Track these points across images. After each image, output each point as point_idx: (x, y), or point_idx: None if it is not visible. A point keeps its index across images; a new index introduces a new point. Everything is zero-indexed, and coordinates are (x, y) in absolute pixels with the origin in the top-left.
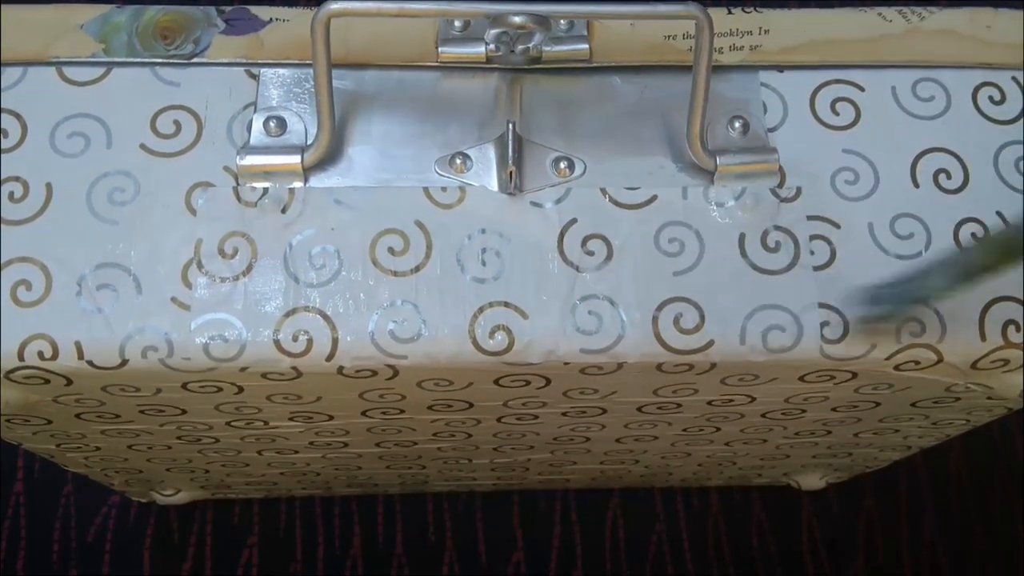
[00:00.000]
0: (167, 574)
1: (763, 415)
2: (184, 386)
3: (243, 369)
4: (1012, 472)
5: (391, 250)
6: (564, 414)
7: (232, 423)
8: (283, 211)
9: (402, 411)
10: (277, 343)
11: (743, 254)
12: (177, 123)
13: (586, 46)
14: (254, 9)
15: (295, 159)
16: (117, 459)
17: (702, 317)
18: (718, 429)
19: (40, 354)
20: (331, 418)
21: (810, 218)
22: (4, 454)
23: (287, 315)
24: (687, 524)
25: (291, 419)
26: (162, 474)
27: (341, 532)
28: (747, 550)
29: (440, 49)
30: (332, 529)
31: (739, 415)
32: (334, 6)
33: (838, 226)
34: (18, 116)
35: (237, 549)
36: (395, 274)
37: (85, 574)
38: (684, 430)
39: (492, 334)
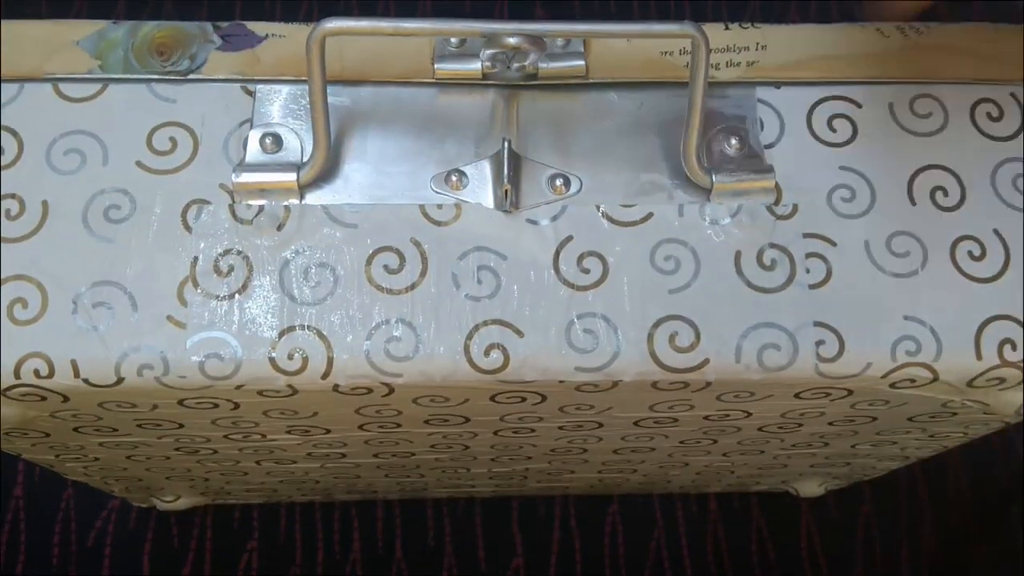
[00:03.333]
0: None
1: (760, 429)
2: (180, 403)
3: (239, 387)
4: (1011, 478)
5: (386, 268)
6: (561, 428)
7: (229, 436)
8: (279, 229)
9: (399, 425)
10: (272, 361)
11: (739, 272)
12: (173, 140)
13: (582, 62)
14: (250, 25)
15: (291, 176)
16: (116, 469)
17: (697, 335)
18: (715, 441)
19: (36, 372)
20: (328, 431)
21: (806, 236)
22: (4, 458)
23: (282, 333)
24: (686, 530)
25: (288, 432)
26: (161, 482)
27: (341, 537)
28: (746, 557)
29: (436, 66)
30: (332, 534)
31: (736, 429)
32: (330, 24)
33: (834, 244)
34: (14, 133)
35: (236, 554)
36: (390, 292)
37: None
38: (681, 442)
39: (487, 352)
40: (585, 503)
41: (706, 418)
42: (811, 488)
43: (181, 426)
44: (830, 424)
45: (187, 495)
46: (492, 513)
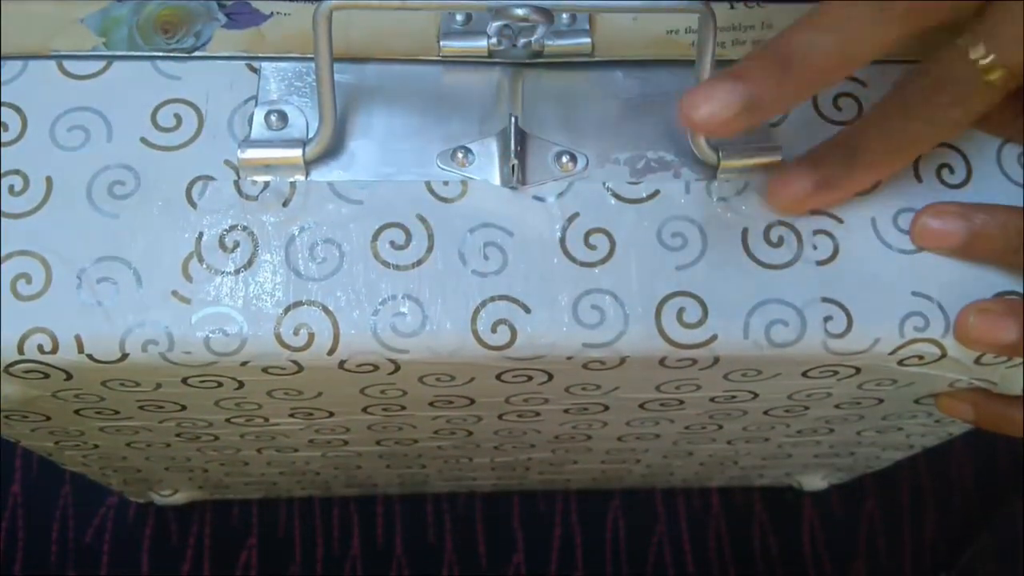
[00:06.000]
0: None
1: (766, 412)
2: (184, 381)
3: (244, 363)
4: (1014, 472)
5: (393, 244)
6: (566, 411)
7: (232, 420)
8: (284, 205)
9: (403, 407)
10: (278, 337)
11: (746, 249)
12: (178, 116)
13: (588, 40)
14: (255, 3)
15: (296, 152)
16: (116, 458)
17: (705, 312)
18: (720, 427)
19: (40, 347)
20: (331, 415)
21: (812, 213)
22: (2, 454)
23: (288, 309)
24: (688, 525)
25: (291, 415)
26: (160, 473)
27: (340, 534)
28: (748, 551)
29: (442, 43)
30: (331, 531)
31: (742, 412)
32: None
33: (841, 221)
34: (18, 110)
35: (236, 551)
36: (397, 268)
37: (83, 575)
38: (686, 428)
39: (494, 328)
40: (586, 498)
41: (712, 400)
42: (814, 482)
43: (184, 408)
44: (836, 407)
45: (185, 488)
46: (493, 509)
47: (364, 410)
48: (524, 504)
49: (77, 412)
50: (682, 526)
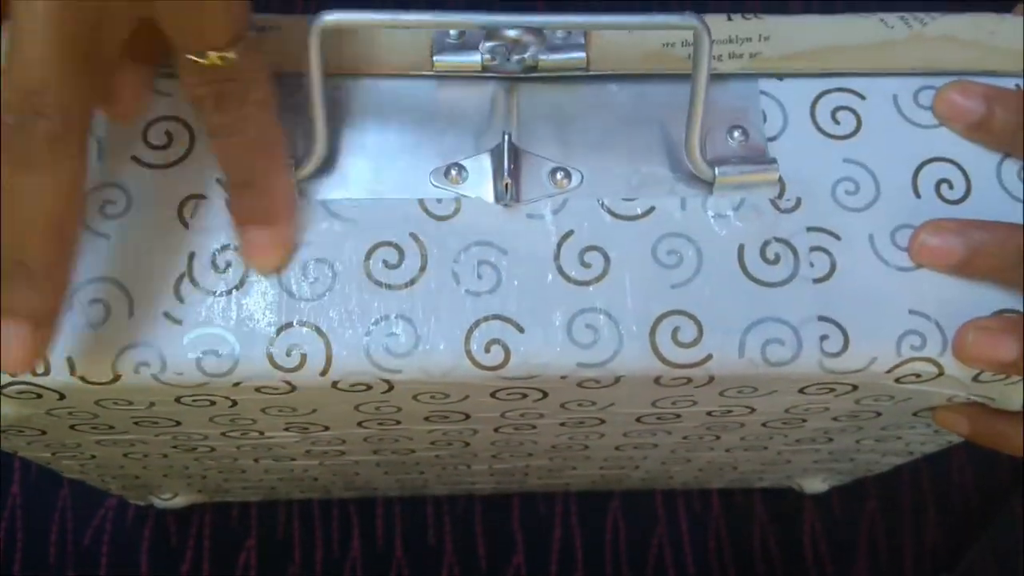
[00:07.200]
0: None
1: (763, 424)
2: (177, 400)
3: (236, 384)
4: (1014, 474)
5: (386, 263)
6: (562, 424)
7: (227, 434)
8: None
9: (398, 422)
10: (270, 357)
11: (742, 266)
12: (169, 134)
13: (583, 54)
14: None
15: None
16: (113, 466)
17: (700, 330)
18: (718, 437)
19: (32, 369)
20: (327, 429)
21: (810, 229)
22: (1, 456)
23: (280, 329)
24: (688, 526)
25: (286, 430)
26: (159, 480)
27: (340, 535)
28: (748, 553)
29: (435, 58)
30: (331, 532)
31: (739, 424)
32: (329, 17)
33: (838, 237)
34: None
35: (235, 552)
36: (390, 287)
37: None
38: (684, 438)
39: (488, 348)
40: (586, 499)
41: (709, 414)
42: (814, 484)
43: (178, 424)
44: (834, 420)
45: (184, 493)
46: (493, 510)
47: (359, 425)
48: (524, 506)
49: (72, 427)
50: (682, 527)
